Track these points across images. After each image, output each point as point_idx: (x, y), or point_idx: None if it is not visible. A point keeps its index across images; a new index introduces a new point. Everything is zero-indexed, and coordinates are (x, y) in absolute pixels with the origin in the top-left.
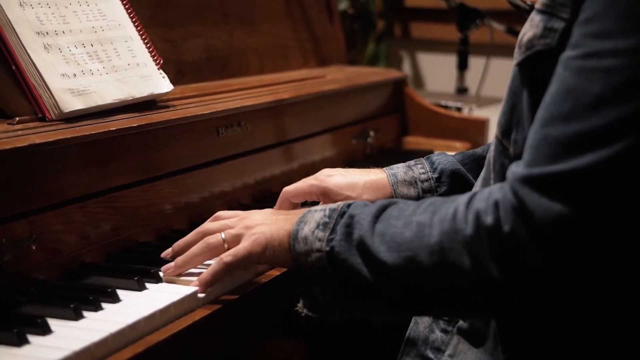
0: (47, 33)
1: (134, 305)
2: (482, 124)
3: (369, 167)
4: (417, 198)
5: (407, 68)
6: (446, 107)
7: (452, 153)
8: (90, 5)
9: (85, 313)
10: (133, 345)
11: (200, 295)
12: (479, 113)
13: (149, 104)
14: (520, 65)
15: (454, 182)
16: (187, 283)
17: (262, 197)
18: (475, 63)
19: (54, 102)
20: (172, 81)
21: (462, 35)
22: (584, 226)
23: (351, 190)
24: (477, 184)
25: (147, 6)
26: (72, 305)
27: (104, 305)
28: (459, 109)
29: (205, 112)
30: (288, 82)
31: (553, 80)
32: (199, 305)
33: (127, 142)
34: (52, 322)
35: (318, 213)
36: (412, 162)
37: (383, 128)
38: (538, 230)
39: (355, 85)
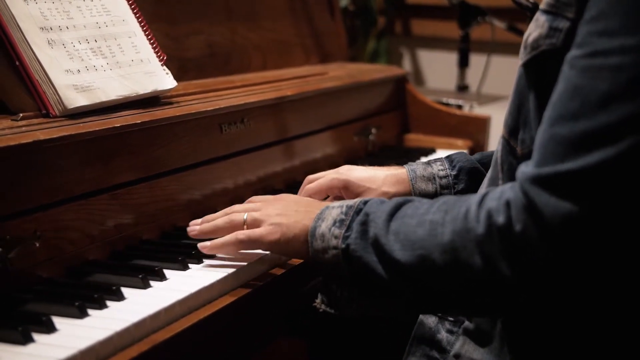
0: (51, 28)
1: (139, 304)
2: (483, 122)
3: (370, 165)
4: (435, 194)
5: (407, 65)
6: (447, 104)
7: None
8: (94, 1)
9: (90, 311)
10: (138, 343)
11: (193, 291)
12: (479, 111)
13: (153, 100)
14: (526, 65)
15: (472, 179)
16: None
17: (265, 194)
18: (476, 60)
19: (58, 98)
20: (175, 77)
21: (463, 32)
22: (593, 225)
23: (372, 182)
24: (484, 184)
25: (150, 2)
26: (76, 303)
27: (108, 303)
28: (459, 107)
29: (209, 109)
30: (290, 78)
31: (560, 80)
32: (203, 304)
33: (131, 139)
34: (57, 320)
35: (335, 210)
36: (432, 160)
37: (384, 125)
38: (548, 229)
39: (357, 82)
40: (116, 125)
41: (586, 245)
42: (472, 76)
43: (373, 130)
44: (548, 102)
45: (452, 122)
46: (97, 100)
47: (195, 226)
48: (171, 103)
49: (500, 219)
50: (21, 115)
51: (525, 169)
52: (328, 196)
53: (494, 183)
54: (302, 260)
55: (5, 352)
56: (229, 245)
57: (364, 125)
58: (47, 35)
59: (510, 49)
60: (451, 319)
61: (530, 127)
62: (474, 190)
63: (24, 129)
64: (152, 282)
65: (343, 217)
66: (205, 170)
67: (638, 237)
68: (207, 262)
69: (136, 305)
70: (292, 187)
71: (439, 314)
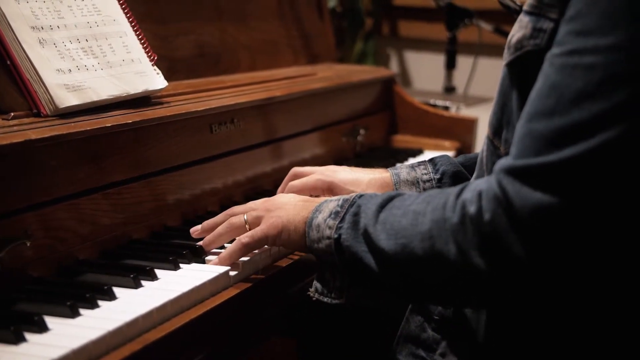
0: (42, 28)
1: (131, 303)
2: (471, 123)
3: (358, 166)
4: None
5: (394, 66)
6: (434, 106)
7: (452, 155)
8: (85, 0)
9: (82, 311)
10: (131, 343)
11: (185, 291)
12: (466, 112)
13: (143, 100)
14: (510, 65)
15: (455, 183)
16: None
17: (254, 194)
18: (463, 62)
19: (49, 97)
20: (165, 77)
21: (450, 34)
22: (563, 215)
23: (355, 186)
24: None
25: (140, 2)
26: (68, 303)
27: (100, 302)
28: (446, 108)
29: (200, 109)
30: (280, 79)
31: (539, 77)
32: (195, 303)
33: (122, 139)
34: (49, 320)
35: (332, 202)
36: (415, 163)
37: (372, 126)
38: (517, 218)
39: (345, 84)
40: (107, 125)
41: (555, 235)
42: (459, 78)
43: (361, 131)
44: (527, 99)
45: (439, 124)
46: (88, 100)
47: (196, 232)
48: (162, 103)
49: (472, 208)
50: (12, 114)
51: (502, 161)
52: (310, 195)
53: None
54: (290, 262)
55: None
56: (236, 253)
57: (352, 126)
58: (38, 34)
59: (497, 51)
60: (437, 317)
61: (513, 127)
62: None
63: (15, 128)
64: (143, 282)
65: (339, 209)
66: (195, 170)
67: (610, 229)
68: (198, 262)
69: (128, 304)
70: None
71: (429, 308)
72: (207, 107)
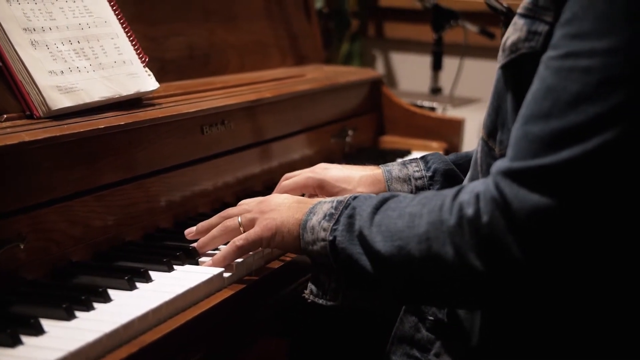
0: (34, 29)
1: (126, 305)
2: (458, 124)
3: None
4: None
5: (380, 67)
6: (421, 107)
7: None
8: (76, 2)
9: (77, 313)
10: (127, 345)
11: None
12: (453, 113)
13: (135, 101)
14: (505, 67)
15: (447, 181)
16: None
17: (245, 195)
18: (449, 63)
19: (42, 99)
20: (155, 79)
21: (437, 35)
22: (561, 217)
23: (347, 183)
24: (465, 184)
25: (130, 3)
26: (64, 305)
27: (95, 305)
28: (433, 109)
29: (191, 110)
30: (269, 80)
31: (535, 79)
32: (190, 305)
33: (114, 141)
34: (45, 323)
35: (326, 204)
36: (407, 160)
37: (360, 127)
38: (515, 220)
39: (334, 85)
40: (100, 126)
41: (553, 237)
42: (445, 79)
43: (350, 132)
44: (523, 101)
45: (427, 125)
46: (81, 102)
47: (191, 234)
48: (153, 105)
49: (469, 210)
50: (5, 116)
51: (499, 163)
52: (302, 194)
53: None
54: (282, 264)
55: None
56: (230, 255)
57: (341, 127)
58: (30, 36)
59: (483, 52)
60: (431, 318)
61: (508, 129)
62: None
63: (8, 130)
64: (138, 284)
65: (333, 211)
66: (186, 171)
67: (607, 230)
68: (191, 263)
69: (123, 306)
70: (271, 188)
71: (423, 308)
72: (199, 109)
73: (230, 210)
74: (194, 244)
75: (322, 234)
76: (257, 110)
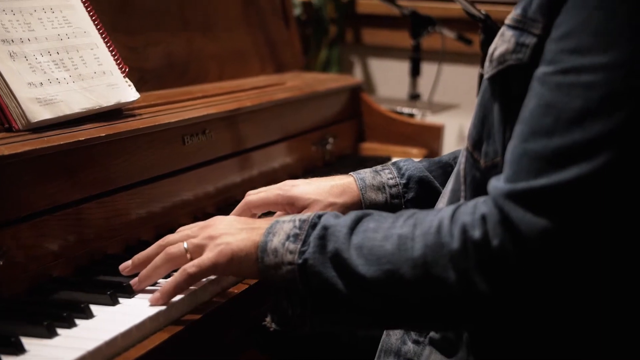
0: (13, 41)
1: (109, 321)
2: (437, 130)
3: (329, 174)
4: (385, 203)
5: (358, 73)
6: (400, 113)
7: (418, 159)
8: (55, 12)
9: (59, 330)
10: None
11: (164, 308)
12: (432, 119)
13: (115, 112)
14: (492, 79)
15: (422, 188)
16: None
17: (226, 205)
18: (427, 69)
19: (21, 111)
20: (135, 89)
21: (415, 42)
22: (570, 240)
23: (317, 194)
24: (446, 195)
25: (109, 12)
26: (45, 323)
27: (77, 321)
28: (412, 115)
29: (173, 121)
30: (249, 89)
31: (530, 96)
32: (174, 319)
33: (95, 152)
34: (25, 341)
35: (287, 224)
36: (379, 167)
37: (341, 134)
38: (525, 244)
39: (314, 93)
40: (80, 139)
41: (563, 259)
42: (424, 85)
43: (330, 140)
44: (518, 118)
45: (407, 131)
46: (61, 114)
47: (135, 279)
48: (134, 115)
49: (476, 233)
50: None
51: (497, 183)
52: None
53: (456, 195)
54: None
55: None
56: (181, 284)
57: (321, 135)
58: (8, 47)
59: (461, 58)
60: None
61: (494, 140)
62: (424, 199)
63: None
64: (120, 299)
65: (297, 231)
66: (167, 182)
67: (617, 250)
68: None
69: (106, 322)
70: None
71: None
72: (180, 119)
73: (169, 237)
74: (133, 280)
75: (289, 257)
76: (238, 119)
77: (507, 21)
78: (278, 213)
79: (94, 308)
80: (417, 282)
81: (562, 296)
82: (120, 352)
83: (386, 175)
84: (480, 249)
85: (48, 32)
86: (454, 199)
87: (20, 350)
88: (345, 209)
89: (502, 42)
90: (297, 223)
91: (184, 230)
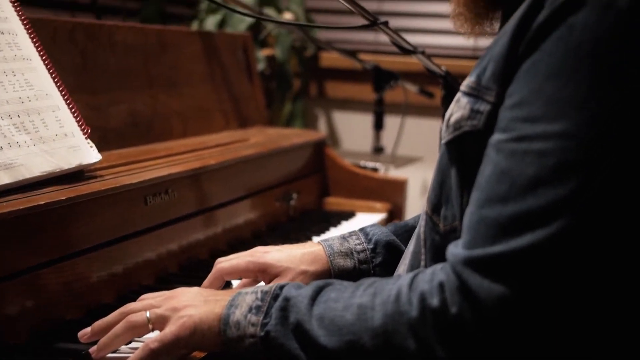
0: None
1: None
2: (401, 185)
3: (292, 230)
4: (354, 269)
5: (322, 126)
6: (364, 167)
7: (385, 225)
8: (16, 75)
9: None
10: None
11: None
12: (395, 172)
13: (77, 174)
14: (448, 144)
15: (389, 252)
16: None
17: (189, 264)
18: (391, 121)
19: None
20: (97, 147)
21: (378, 96)
22: (527, 306)
23: (289, 262)
24: (407, 258)
25: (72, 72)
26: None
27: None
28: (376, 169)
29: (134, 182)
30: (213, 146)
31: (485, 163)
32: None
33: (54, 216)
34: None
35: (249, 296)
36: (346, 234)
37: (305, 189)
38: (483, 311)
39: (277, 148)
40: (40, 202)
41: (522, 325)
42: (387, 136)
43: (294, 195)
44: (474, 184)
45: (370, 185)
46: (21, 177)
47: (93, 347)
48: (95, 177)
49: (434, 301)
50: None
51: (455, 250)
52: (240, 278)
53: (416, 258)
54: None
55: None
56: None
57: (285, 190)
58: None
59: (423, 110)
60: None
61: (452, 204)
62: (392, 263)
63: None
64: None
65: (259, 303)
66: (129, 244)
67: (573, 313)
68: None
69: None
70: (216, 255)
71: None
72: (142, 179)
73: (132, 305)
74: (92, 348)
75: (251, 330)
76: (201, 178)
77: (463, 87)
78: (244, 281)
79: None
80: (378, 352)
81: (522, 356)
82: None
83: (354, 241)
84: (438, 317)
85: (9, 96)
86: (414, 261)
87: None
88: (316, 276)
89: (458, 109)
90: (259, 295)
91: (148, 299)
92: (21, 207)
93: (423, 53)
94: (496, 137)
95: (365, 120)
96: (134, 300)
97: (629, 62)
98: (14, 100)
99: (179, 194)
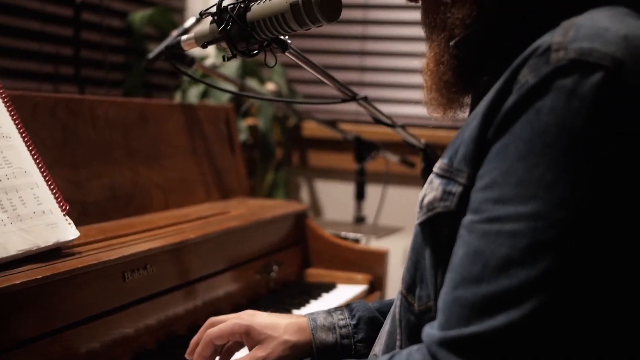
0: None
1: None
2: (382, 256)
3: (273, 303)
4: (335, 343)
5: (305, 195)
6: (345, 238)
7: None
8: None
9: None
10: None
11: None
12: (377, 243)
13: (54, 251)
14: (422, 225)
15: (371, 329)
16: None
17: (167, 339)
18: (372, 191)
19: None
20: (76, 222)
21: (359, 166)
22: None
23: (273, 330)
24: (383, 337)
25: (53, 147)
26: None
27: None
28: (357, 241)
29: (112, 258)
30: (194, 219)
31: (459, 244)
32: None
33: (31, 295)
34: None
35: None
36: (332, 309)
37: (286, 261)
38: None
39: (258, 221)
40: (16, 282)
41: None
42: (369, 205)
43: (275, 267)
44: (448, 264)
45: (351, 257)
46: None
47: None
48: (73, 254)
49: None
50: None
51: (430, 331)
52: (229, 341)
53: (391, 337)
54: None
55: None
56: None
57: (266, 262)
58: None
59: (404, 179)
60: None
61: (427, 284)
62: (374, 339)
63: None
64: None
65: None
66: (107, 320)
67: None
68: None
69: None
70: (194, 330)
71: None
72: (120, 255)
73: None
74: None
75: None
76: (181, 252)
77: (435, 169)
78: (229, 344)
79: None
80: None
81: None
82: None
83: (337, 316)
84: None
85: None
86: (390, 341)
87: None
88: (297, 347)
89: (431, 190)
90: None
91: None
92: None
93: (402, 127)
94: (468, 218)
95: (347, 190)
96: None
97: (594, 144)
98: None
99: (158, 268)
